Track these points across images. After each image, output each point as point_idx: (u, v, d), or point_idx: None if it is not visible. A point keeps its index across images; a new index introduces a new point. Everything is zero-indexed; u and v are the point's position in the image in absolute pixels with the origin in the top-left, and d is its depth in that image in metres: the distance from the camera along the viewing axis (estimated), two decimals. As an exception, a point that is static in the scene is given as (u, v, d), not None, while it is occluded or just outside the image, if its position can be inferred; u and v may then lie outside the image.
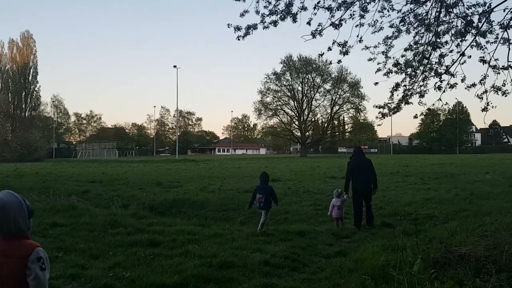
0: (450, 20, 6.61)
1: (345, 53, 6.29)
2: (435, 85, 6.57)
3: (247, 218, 11.51)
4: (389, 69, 7.43)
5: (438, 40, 6.80)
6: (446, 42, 7.00)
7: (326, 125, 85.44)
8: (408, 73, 7.37)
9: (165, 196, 15.11)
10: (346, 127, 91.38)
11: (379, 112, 7.47)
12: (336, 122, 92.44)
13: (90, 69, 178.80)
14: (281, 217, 10.78)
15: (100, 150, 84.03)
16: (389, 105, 7.54)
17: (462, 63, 6.41)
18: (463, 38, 6.67)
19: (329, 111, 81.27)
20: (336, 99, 79.18)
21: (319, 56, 6.14)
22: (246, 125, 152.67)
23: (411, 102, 7.56)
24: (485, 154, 77.70)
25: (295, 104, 79.86)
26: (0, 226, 2.13)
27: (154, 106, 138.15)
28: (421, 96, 6.92)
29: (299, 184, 19.46)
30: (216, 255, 5.46)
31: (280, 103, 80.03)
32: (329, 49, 6.24)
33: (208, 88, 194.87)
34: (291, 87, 78.99)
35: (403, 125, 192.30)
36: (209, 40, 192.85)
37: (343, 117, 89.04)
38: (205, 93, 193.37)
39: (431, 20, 7.07)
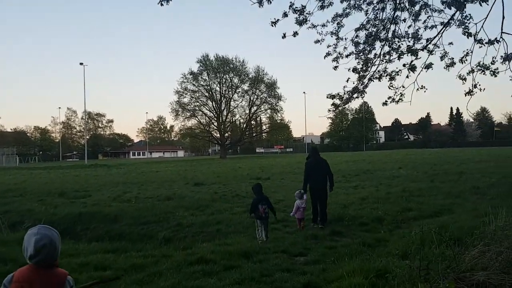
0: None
1: (303, 22, 5.03)
2: (410, 65, 5.58)
3: (172, 232, 9.76)
4: (339, 53, 6.37)
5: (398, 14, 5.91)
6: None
7: (244, 125, 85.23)
8: (362, 58, 6.37)
9: (69, 209, 12.70)
10: (264, 127, 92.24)
11: (332, 104, 6.38)
12: (254, 123, 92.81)
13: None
14: (213, 229, 9.25)
15: (-2, 157, 76.02)
16: (340, 95, 6.48)
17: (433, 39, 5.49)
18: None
19: (247, 111, 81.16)
20: (254, 100, 79.33)
21: (271, 24, 4.79)
22: (162, 127, 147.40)
23: (365, 91, 6.59)
24: (389, 150, 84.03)
25: (214, 105, 78.32)
26: (48, 258, 2.32)
27: (59, 108, 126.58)
28: (392, 78, 5.92)
29: (224, 187, 18.07)
30: (138, 307, 3.74)
31: (198, 103, 77.94)
32: (285, 15, 4.91)
33: (120, 88, 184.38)
34: (209, 87, 77.32)
35: (315, 124, 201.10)
36: (119, 35, 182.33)
37: (261, 117, 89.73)
38: (116, 93, 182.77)
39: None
